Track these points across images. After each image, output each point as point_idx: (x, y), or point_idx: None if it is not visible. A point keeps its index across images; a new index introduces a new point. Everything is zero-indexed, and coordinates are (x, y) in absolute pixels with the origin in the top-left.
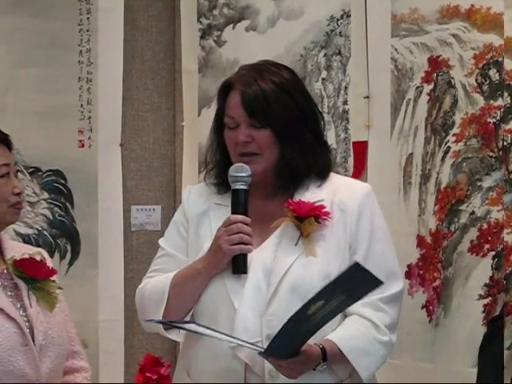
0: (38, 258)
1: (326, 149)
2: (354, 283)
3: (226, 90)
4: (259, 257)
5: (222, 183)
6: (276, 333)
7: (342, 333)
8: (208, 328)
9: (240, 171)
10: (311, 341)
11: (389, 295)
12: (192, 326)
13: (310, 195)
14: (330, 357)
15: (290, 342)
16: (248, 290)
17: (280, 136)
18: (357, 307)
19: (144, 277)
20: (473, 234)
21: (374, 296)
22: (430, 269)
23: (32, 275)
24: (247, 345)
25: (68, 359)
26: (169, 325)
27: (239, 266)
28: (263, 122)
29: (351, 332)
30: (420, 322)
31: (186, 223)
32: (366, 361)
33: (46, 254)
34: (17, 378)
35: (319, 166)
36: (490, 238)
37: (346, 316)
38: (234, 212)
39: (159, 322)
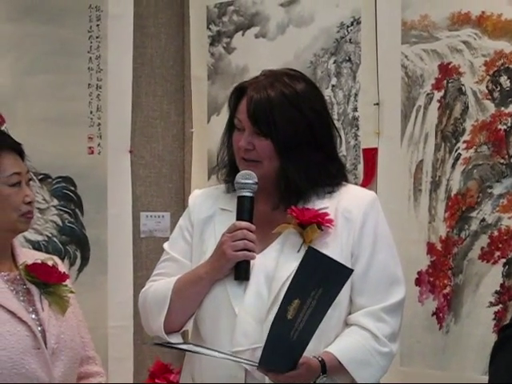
0: (49, 263)
1: (337, 164)
2: (322, 274)
3: (238, 92)
4: (261, 263)
5: (229, 182)
6: (264, 343)
7: (341, 344)
8: (205, 348)
9: (246, 178)
10: (311, 350)
11: (391, 304)
12: (189, 347)
13: (316, 202)
14: (330, 369)
15: (284, 352)
16: (249, 296)
17: (281, 148)
18: (357, 317)
19: (148, 281)
20: (483, 241)
21: (376, 305)
22: (441, 276)
23: (44, 280)
24: (244, 361)
25: (83, 365)
26: (167, 347)
27: (242, 272)
28: (265, 131)
29: (350, 343)
30: (430, 329)
31: (191, 228)
32: (366, 372)
33: (58, 261)
34: (29, 381)
35: (327, 182)
36: (500, 245)
37: (346, 324)
38: (239, 218)
39: (157, 344)
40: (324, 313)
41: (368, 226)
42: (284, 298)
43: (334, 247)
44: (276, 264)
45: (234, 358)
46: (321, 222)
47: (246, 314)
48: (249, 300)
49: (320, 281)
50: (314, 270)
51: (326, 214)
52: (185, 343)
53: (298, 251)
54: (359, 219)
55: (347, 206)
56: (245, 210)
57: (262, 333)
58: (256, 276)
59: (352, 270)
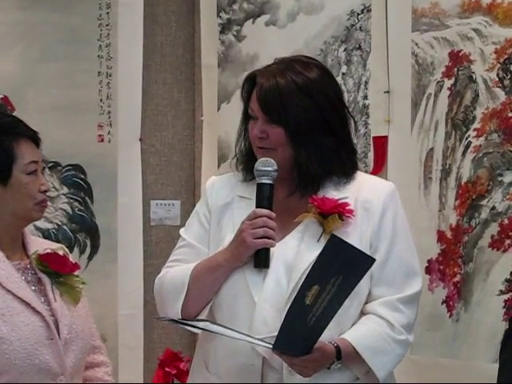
0: (60, 253)
1: (350, 152)
2: (344, 262)
3: (250, 81)
4: (281, 251)
5: (247, 171)
6: (280, 326)
7: (357, 331)
8: (221, 326)
9: (266, 165)
10: (328, 338)
11: (407, 295)
12: (206, 325)
13: (335, 192)
14: (345, 355)
15: (299, 337)
16: (268, 285)
17: (293, 136)
18: (374, 306)
19: (164, 266)
20: (493, 229)
21: (393, 296)
22: (451, 264)
23: (56, 270)
24: (259, 342)
25: (89, 354)
26: (182, 324)
27: (262, 260)
28: (276, 118)
29: (366, 331)
30: (440, 318)
31: (209, 214)
32: (381, 360)
33: (66, 250)
34: (42, 372)
35: (340, 169)
36: (511, 234)
37: (363, 313)
38: (258, 206)
39: (172, 320)
40: (342, 300)
41: (387, 217)
42: (303, 283)
43: (353, 237)
44: (296, 253)
45: (251, 340)
46: (342, 211)
47: (265, 303)
48: (268, 288)
49: (341, 268)
50: (336, 257)
51: (347, 204)
52: (201, 321)
53: (318, 241)
54: (379, 210)
55: (367, 196)
56: (265, 197)
57: (280, 322)
58: (275, 264)
59: (374, 260)
